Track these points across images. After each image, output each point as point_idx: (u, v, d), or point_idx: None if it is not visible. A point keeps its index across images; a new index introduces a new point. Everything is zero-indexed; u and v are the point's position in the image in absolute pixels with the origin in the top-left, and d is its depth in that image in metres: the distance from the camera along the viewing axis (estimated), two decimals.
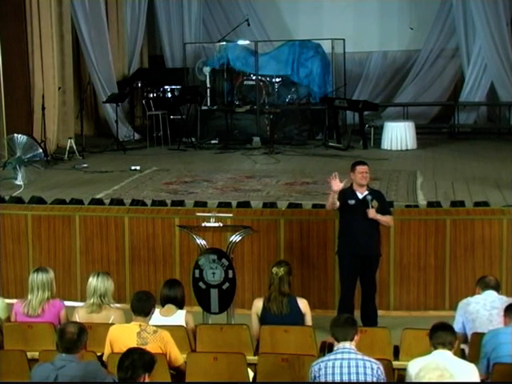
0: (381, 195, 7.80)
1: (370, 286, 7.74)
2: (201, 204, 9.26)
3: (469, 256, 8.45)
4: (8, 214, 9.20)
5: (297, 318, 6.43)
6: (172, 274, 8.65)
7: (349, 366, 4.95)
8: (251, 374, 5.75)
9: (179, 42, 17.52)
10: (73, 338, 4.90)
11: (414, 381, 4.78)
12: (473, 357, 5.65)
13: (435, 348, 5.05)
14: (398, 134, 13.99)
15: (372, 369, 4.95)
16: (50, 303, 6.50)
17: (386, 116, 16.20)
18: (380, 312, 7.98)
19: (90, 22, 15.22)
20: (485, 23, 15.60)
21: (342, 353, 5.01)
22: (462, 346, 6.02)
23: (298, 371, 5.49)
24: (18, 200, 9.63)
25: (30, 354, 5.82)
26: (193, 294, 7.16)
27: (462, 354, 5.76)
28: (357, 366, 4.94)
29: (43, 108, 13.30)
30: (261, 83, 15.51)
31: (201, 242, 7.15)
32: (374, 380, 4.93)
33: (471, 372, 5.00)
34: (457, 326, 6.07)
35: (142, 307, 5.67)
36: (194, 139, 14.75)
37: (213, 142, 15.04)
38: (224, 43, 16.21)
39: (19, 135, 11.04)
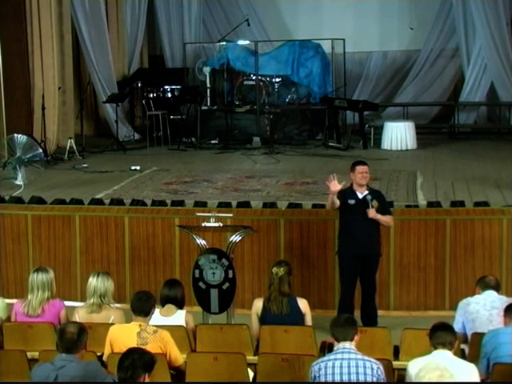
0: (381, 195, 7.80)
1: (369, 286, 7.74)
2: (201, 204, 9.26)
3: (469, 256, 8.45)
4: (8, 213, 9.20)
5: (297, 318, 6.43)
6: (172, 274, 8.65)
7: (349, 366, 4.95)
8: (251, 374, 5.75)
9: (179, 42, 17.52)
10: (73, 338, 4.91)
11: (414, 381, 4.78)
12: (473, 357, 5.65)
13: (435, 348, 5.05)
14: (398, 134, 13.99)
15: (372, 369, 4.95)
16: (50, 303, 6.50)
17: (385, 116, 16.21)
18: (380, 312, 7.98)
19: (90, 22, 15.22)
20: (485, 23, 15.60)
21: (342, 353, 5.01)
22: (462, 346, 6.02)
23: (298, 371, 5.49)
24: (18, 200, 9.63)
25: (30, 354, 5.82)
26: (193, 294, 7.16)
27: (462, 354, 5.76)
28: (357, 366, 4.94)
29: (43, 108, 13.30)
30: (261, 83, 15.51)
31: (201, 242, 7.15)
32: (374, 380, 4.93)
33: (471, 372, 5.00)
34: (457, 326, 6.07)
35: (142, 307, 5.67)
36: (193, 139, 14.75)
37: (213, 142, 15.04)
38: (224, 43, 16.21)
39: (19, 135, 11.04)
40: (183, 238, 8.55)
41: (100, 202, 9.58)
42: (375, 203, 7.46)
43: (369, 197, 7.48)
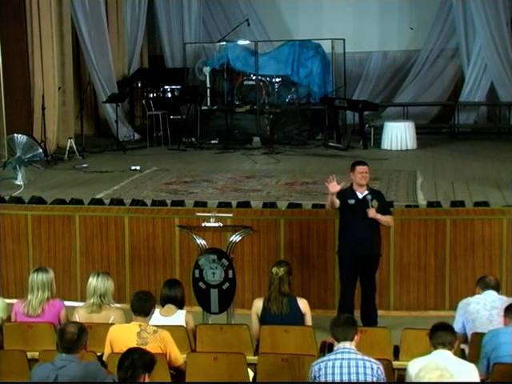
0: (381, 195, 7.80)
1: (369, 285, 7.74)
2: (201, 204, 9.26)
3: (469, 256, 8.45)
4: (8, 213, 9.20)
5: (297, 318, 6.43)
6: (172, 274, 8.65)
7: (349, 366, 4.95)
8: (251, 374, 5.75)
9: (179, 42, 17.52)
10: (73, 338, 4.91)
11: (414, 381, 4.78)
12: (473, 357, 5.65)
13: (435, 348, 5.06)
14: (398, 134, 13.99)
15: (372, 369, 4.95)
16: (50, 303, 6.51)
17: (385, 116, 16.21)
18: (380, 312, 7.98)
19: (90, 21, 15.23)
20: (485, 23, 15.60)
21: (342, 353, 5.01)
22: (462, 346, 6.02)
23: (297, 371, 5.49)
24: (18, 200, 9.63)
25: (30, 354, 5.82)
26: (193, 294, 7.16)
27: (462, 354, 5.76)
28: (357, 366, 4.95)
29: (43, 108, 13.30)
30: (261, 83, 15.51)
31: (201, 242, 7.15)
32: (374, 380, 4.93)
33: (471, 372, 5.00)
34: (457, 326, 6.07)
35: (141, 307, 5.67)
36: (194, 139, 14.75)
37: (213, 142, 15.04)
38: (224, 43, 16.21)
39: (19, 135, 11.05)
40: (183, 238, 8.55)
41: (100, 202, 9.57)
42: (375, 203, 7.46)
43: (369, 197, 7.48)
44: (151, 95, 16.22)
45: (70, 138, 13.60)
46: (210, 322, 7.04)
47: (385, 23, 17.65)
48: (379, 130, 14.46)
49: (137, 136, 15.81)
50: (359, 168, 7.54)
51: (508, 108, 15.80)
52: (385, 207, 7.66)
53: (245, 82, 15.90)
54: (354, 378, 4.92)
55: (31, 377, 5.05)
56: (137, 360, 4.53)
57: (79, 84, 16.45)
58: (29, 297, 6.51)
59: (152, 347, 5.37)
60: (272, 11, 18.01)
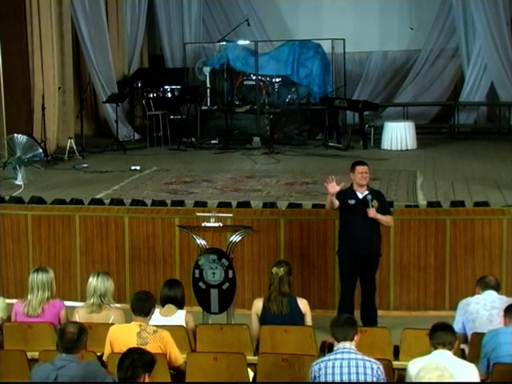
0: (381, 195, 7.80)
1: (369, 285, 7.74)
2: (201, 204, 9.26)
3: (469, 256, 8.45)
4: (8, 213, 9.20)
5: (297, 318, 6.43)
6: (172, 274, 8.65)
7: (349, 366, 4.95)
8: (251, 374, 5.75)
9: (179, 42, 17.52)
10: (73, 338, 4.91)
11: (414, 381, 4.78)
12: (473, 357, 5.65)
13: (435, 348, 5.06)
14: (398, 134, 13.99)
15: (372, 369, 4.95)
16: (50, 303, 6.51)
17: (385, 116, 16.21)
18: (380, 312, 7.98)
19: (90, 21, 15.23)
20: (485, 23, 15.61)
21: (342, 353, 5.01)
22: (462, 346, 6.02)
23: (297, 371, 5.49)
24: (18, 200, 9.63)
25: (30, 354, 5.82)
26: (193, 294, 7.16)
27: (462, 354, 5.76)
28: (357, 366, 4.95)
29: (43, 108, 13.30)
30: (261, 83, 15.51)
31: (201, 242, 7.15)
32: (374, 380, 4.93)
33: (471, 372, 5.00)
34: (457, 326, 6.07)
35: (141, 307, 5.67)
36: (194, 139, 14.75)
37: (213, 142, 15.04)
38: (224, 43, 16.22)
39: (19, 135, 11.05)
40: (183, 238, 8.55)
41: (100, 202, 9.57)
42: (375, 203, 7.46)
43: (369, 197, 7.48)
44: (151, 95, 16.22)
45: (70, 138, 13.60)
46: (210, 322, 7.04)
47: (385, 23, 17.65)
48: (379, 130, 14.46)
49: (137, 136, 15.81)
50: (359, 168, 7.54)
51: (508, 108, 15.80)
52: (385, 207, 7.66)
53: (245, 82, 15.90)
54: (353, 378, 4.92)
55: (31, 377, 5.05)
56: (137, 360, 4.53)
57: (79, 84, 16.46)
58: (29, 297, 6.51)
59: (152, 347, 5.37)
60: (272, 11, 18.02)
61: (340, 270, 7.84)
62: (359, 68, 17.62)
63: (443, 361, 4.79)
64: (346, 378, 4.92)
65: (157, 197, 9.98)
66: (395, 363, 5.76)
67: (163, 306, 6.39)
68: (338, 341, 5.09)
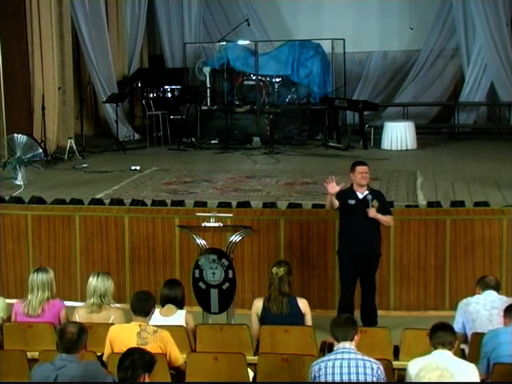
0: (381, 195, 7.80)
1: (369, 285, 7.74)
2: (201, 204, 9.26)
3: (469, 256, 8.45)
4: (8, 213, 9.20)
5: (297, 317, 6.43)
6: (172, 274, 8.65)
7: (349, 366, 4.95)
8: (251, 374, 5.75)
9: (179, 42, 17.52)
10: (73, 338, 4.91)
11: (414, 381, 4.78)
12: (473, 357, 5.65)
13: (435, 348, 5.06)
14: (398, 134, 13.99)
15: (372, 369, 4.95)
16: (50, 303, 6.51)
17: (385, 116, 16.21)
18: (380, 312, 7.98)
19: (90, 21, 15.23)
20: (485, 23, 15.60)
21: (342, 353, 5.01)
22: (462, 345, 6.02)
23: (297, 371, 5.49)
24: (18, 200, 9.63)
25: (30, 354, 5.82)
26: (193, 294, 7.16)
27: (462, 354, 5.76)
28: (357, 366, 4.95)
29: (43, 108, 13.30)
30: (261, 83, 15.51)
31: (201, 242, 7.15)
32: (374, 380, 4.93)
33: (471, 372, 5.00)
34: (457, 326, 6.07)
35: (141, 307, 5.67)
36: (193, 139, 14.75)
37: (213, 142, 15.04)
38: (224, 43, 16.22)
39: (19, 135, 11.05)
40: (183, 238, 8.55)
41: (100, 202, 9.57)
42: (375, 203, 7.46)
43: (369, 197, 7.48)
44: (151, 95, 16.22)
45: (70, 138, 13.60)
46: (210, 322, 7.04)
47: (385, 23, 17.65)
48: (379, 130, 14.46)
49: (137, 136, 15.81)
50: (359, 168, 7.54)
51: (508, 108, 15.80)
52: (385, 207, 7.66)
53: (245, 82, 15.90)
54: (353, 378, 4.92)
55: (31, 377, 5.05)
56: (137, 360, 4.53)
57: (79, 84, 16.46)
58: (29, 297, 6.52)
59: (152, 347, 5.38)
60: (272, 11, 18.02)
61: (340, 270, 7.84)
62: (359, 68, 17.62)
63: (443, 361, 4.79)
64: (346, 378, 4.92)
65: (157, 197, 9.98)
66: (395, 363, 5.76)
67: (163, 306, 6.39)
68: (338, 341, 5.09)
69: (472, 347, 5.91)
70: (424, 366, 4.60)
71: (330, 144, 14.34)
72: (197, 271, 7.06)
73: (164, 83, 16.45)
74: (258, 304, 6.52)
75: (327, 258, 8.54)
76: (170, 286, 6.47)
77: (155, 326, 5.73)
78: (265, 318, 6.43)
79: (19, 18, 13.66)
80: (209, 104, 15.67)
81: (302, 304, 6.51)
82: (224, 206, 9.08)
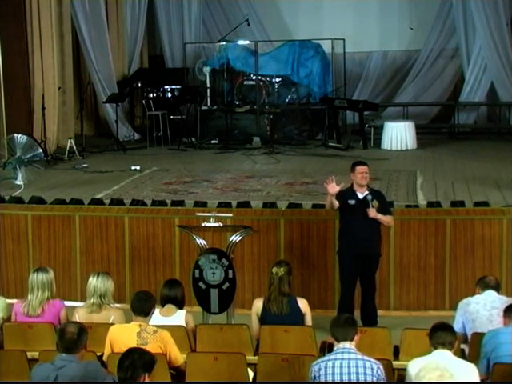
0: (381, 195, 7.80)
1: (369, 285, 7.74)
2: (201, 204, 9.26)
3: (469, 256, 8.45)
4: (8, 213, 9.20)
5: (297, 317, 6.43)
6: (172, 274, 8.65)
7: (349, 366, 4.95)
8: (251, 374, 5.75)
9: (179, 42, 17.53)
10: (73, 338, 4.91)
11: (414, 381, 4.78)
12: (473, 357, 5.65)
13: (435, 348, 5.05)
14: (398, 134, 13.99)
15: (372, 369, 4.95)
16: (50, 303, 6.50)
17: (385, 116, 16.22)
18: (380, 312, 7.98)
19: (90, 21, 15.23)
20: (485, 23, 15.61)
21: (342, 353, 5.01)
22: (462, 346, 6.02)
23: (297, 371, 5.49)
24: (18, 200, 9.63)
25: (30, 354, 5.82)
26: (193, 294, 7.16)
27: (462, 354, 5.76)
28: (357, 366, 4.94)
29: (43, 108, 13.30)
30: (261, 83, 15.51)
31: (201, 242, 7.15)
32: (374, 380, 4.93)
33: (471, 372, 5.00)
34: (457, 326, 6.07)
35: (141, 307, 5.67)
36: (194, 139, 14.75)
37: (213, 142, 15.05)
38: (224, 43, 16.22)
39: (19, 135, 11.05)
40: (183, 238, 8.55)
41: (100, 202, 9.57)
42: (376, 203, 7.46)
43: (369, 197, 7.48)
44: (151, 95, 16.22)
45: (70, 138, 13.60)
46: (210, 322, 7.04)
47: (385, 23, 17.65)
48: (379, 130, 14.46)
49: (137, 136, 15.81)
50: (359, 168, 7.54)
51: (508, 108, 15.81)
52: (385, 207, 7.66)
53: (245, 82, 15.90)
54: (353, 378, 4.92)
55: (31, 377, 5.05)
56: (137, 360, 4.53)
57: (79, 84, 16.46)
58: (29, 297, 6.51)
59: (152, 347, 5.38)
60: (272, 11, 18.02)
61: (340, 270, 7.84)
62: (359, 68, 17.62)
63: (443, 361, 4.79)
64: (345, 378, 4.92)
65: (157, 197, 9.98)
66: (395, 363, 5.76)
67: (163, 306, 6.39)
68: (338, 341, 5.09)
69: (472, 347, 5.91)
70: (424, 365, 4.60)
71: (330, 144, 14.35)
72: (197, 271, 7.06)
73: (164, 83, 16.45)
74: (258, 304, 6.52)
75: (327, 258, 8.54)
76: (170, 286, 6.47)
77: (155, 326, 5.73)
78: (265, 318, 6.43)
79: (19, 18, 13.66)
80: (209, 104, 15.67)
81: (302, 304, 6.51)
82: (224, 205, 9.08)
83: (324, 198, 8.06)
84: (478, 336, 5.78)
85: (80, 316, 6.35)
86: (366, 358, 5.01)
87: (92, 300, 6.37)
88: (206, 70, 15.85)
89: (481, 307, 6.19)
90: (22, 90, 13.78)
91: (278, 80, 15.76)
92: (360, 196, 7.51)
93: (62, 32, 14.74)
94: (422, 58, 17.04)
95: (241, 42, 16.19)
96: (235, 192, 10.46)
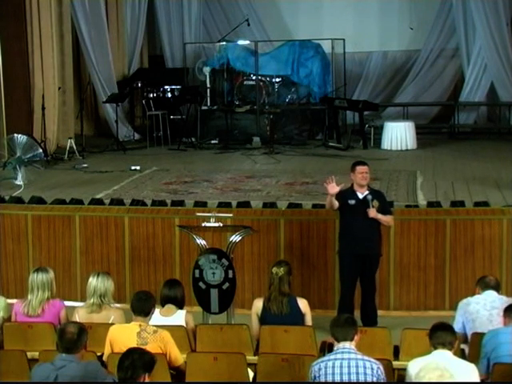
0: (381, 195, 7.80)
1: (369, 285, 7.74)
2: (201, 204, 9.26)
3: (469, 256, 8.45)
4: (8, 213, 9.20)
5: (297, 317, 6.43)
6: (172, 274, 8.65)
7: (349, 366, 4.95)
8: (251, 374, 5.75)
9: (179, 42, 17.53)
10: (73, 338, 4.91)
11: (414, 381, 4.78)
12: (473, 357, 5.65)
13: (435, 348, 5.05)
14: (398, 134, 13.99)
15: (372, 369, 4.95)
16: (50, 303, 6.51)
17: (385, 116, 16.22)
18: (380, 312, 7.98)
19: (90, 21, 15.23)
20: (485, 23, 15.61)
21: (342, 353, 5.01)
22: (462, 346, 6.03)
23: (297, 371, 5.49)
24: (18, 200, 9.63)
25: (30, 354, 5.82)
26: (193, 294, 7.16)
27: (462, 354, 5.76)
28: (357, 366, 4.94)
29: (43, 108, 13.30)
30: (261, 83, 15.51)
31: (201, 242, 7.15)
32: (374, 380, 4.93)
33: (471, 372, 5.00)
34: (457, 326, 6.07)
35: (141, 307, 5.67)
36: (194, 139, 14.75)
37: (213, 142, 15.05)
38: (224, 43, 16.22)
39: (19, 135, 11.05)
40: (183, 238, 8.55)
41: (100, 202, 9.57)
42: (376, 203, 7.46)
43: (369, 197, 7.48)
44: (151, 95, 16.23)
45: (70, 138, 13.60)
46: (210, 322, 7.04)
47: (385, 23, 17.65)
48: (379, 130, 14.46)
49: (137, 136, 15.81)
50: (359, 168, 7.54)
51: (508, 108, 15.81)
52: (385, 207, 7.66)
53: (245, 82, 15.90)
54: (353, 378, 4.92)
55: (31, 377, 5.05)
56: (137, 360, 4.53)
57: (79, 84, 16.46)
58: (29, 297, 6.52)
59: (152, 347, 5.38)
60: (272, 11, 18.02)
61: (340, 270, 7.84)
62: (359, 68, 17.62)
63: (443, 361, 4.79)
64: (345, 378, 4.92)
65: (157, 197, 9.98)
66: (395, 363, 5.76)
67: (163, 306, 6.39)
68: (338, 341, 5.09)
69: (472, 347, 5.91)
70: (424, 366, 4.60)
71: (330, 144, 14.35)
72: (197, 271, 7.06)
73: (164, 83, 16.45)
74: (258, 304, 6.52)
75: (327, 257, 8.54)
76: (169, 286, 6.47)
77: (155, 325, 5.73)
78: (265, 318, 6.43)
79: (19, 18, 13.66)
80: (209, 104, 15.67)
81: (302, 304, 6.51)
82: (224, 206, 9.08)
83: (324, 198, 8.05)
84: (478, 336, 5.78)
85: (80, 316, 6.35)
86: (366, 358, 5.01)
87: (92, 300, 6.37)
88: (206, 70, 15.85)
89: (481, 307, 6.19)
90: (22, 90, 13.78)
91: (277, 80, 15.76)
92: (360, 196, 7.50)
93: (62, 32, 14.74)
94: (422, 58, 17.04)
95: (241, 42, 16.19)
96: (235, 192, 10.46)
